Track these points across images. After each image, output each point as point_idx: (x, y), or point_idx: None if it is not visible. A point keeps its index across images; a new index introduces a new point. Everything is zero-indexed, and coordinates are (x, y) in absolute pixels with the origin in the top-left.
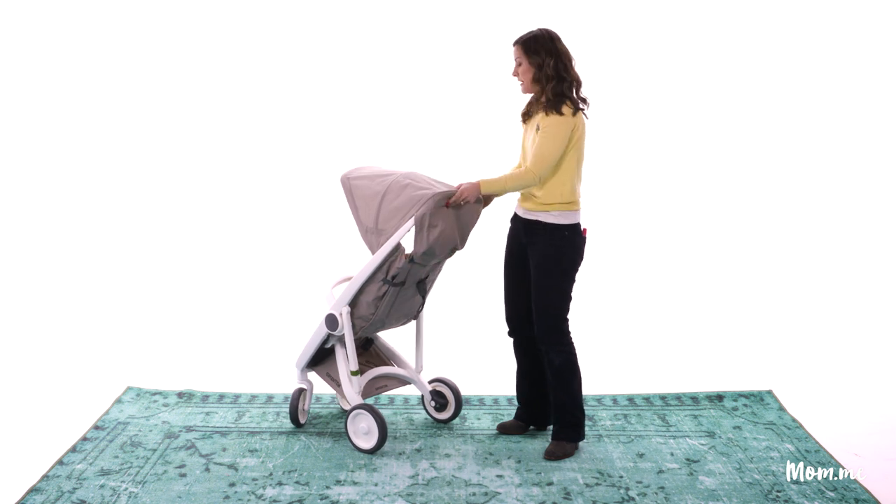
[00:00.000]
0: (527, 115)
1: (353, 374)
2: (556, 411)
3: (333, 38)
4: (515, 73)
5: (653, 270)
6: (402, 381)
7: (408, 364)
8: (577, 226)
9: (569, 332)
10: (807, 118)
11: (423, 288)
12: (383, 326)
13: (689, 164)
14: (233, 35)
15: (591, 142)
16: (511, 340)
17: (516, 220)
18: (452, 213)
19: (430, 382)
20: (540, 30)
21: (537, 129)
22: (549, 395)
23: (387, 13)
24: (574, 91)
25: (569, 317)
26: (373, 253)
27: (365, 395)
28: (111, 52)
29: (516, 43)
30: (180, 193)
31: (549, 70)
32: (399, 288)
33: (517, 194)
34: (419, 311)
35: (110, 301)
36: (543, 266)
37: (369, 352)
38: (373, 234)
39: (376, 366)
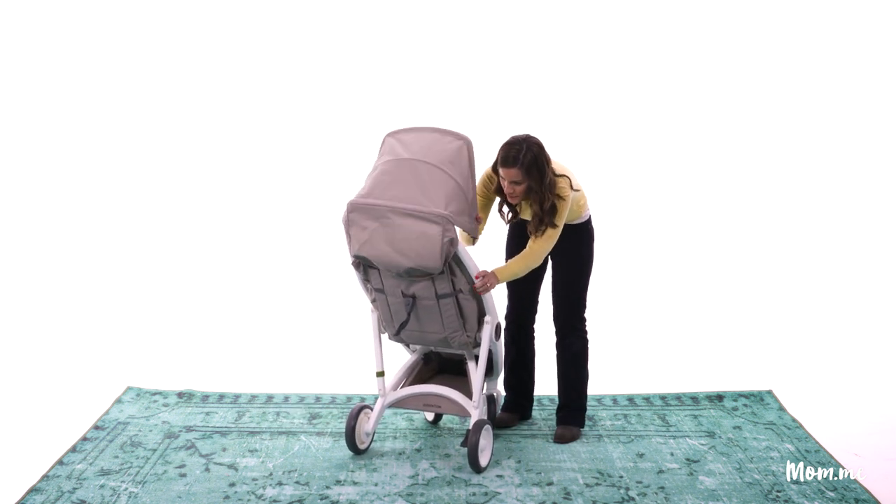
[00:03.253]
0: (515, 214)
1: (378, 374)
2: (566, 397)
3: (334, 38)
4: (512, 192)
5: (653, 270)
6: (459, 410)
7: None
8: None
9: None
10: (807, 118)
11: (412, 304)
12: (420, 339)
13: (689, 165)
14: (233, 35)
15: (592, 141)
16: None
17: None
18: (383, 232)
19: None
20: (530, 145)
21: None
22: (532, 383)
23: (387, 13)
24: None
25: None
26: None
27: (408, 405)
28: (111, 52)
29: (512, 165)
30: (180, 194)
31: (546, 189)
32: (384, 295)
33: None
34: (454, 334)
35: (110, 301)
36: (581, 255)
37: (437, 370)
38: None
39: (444, 385)
